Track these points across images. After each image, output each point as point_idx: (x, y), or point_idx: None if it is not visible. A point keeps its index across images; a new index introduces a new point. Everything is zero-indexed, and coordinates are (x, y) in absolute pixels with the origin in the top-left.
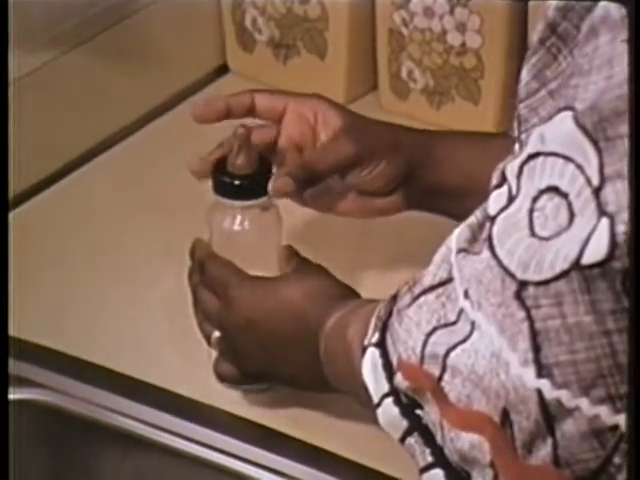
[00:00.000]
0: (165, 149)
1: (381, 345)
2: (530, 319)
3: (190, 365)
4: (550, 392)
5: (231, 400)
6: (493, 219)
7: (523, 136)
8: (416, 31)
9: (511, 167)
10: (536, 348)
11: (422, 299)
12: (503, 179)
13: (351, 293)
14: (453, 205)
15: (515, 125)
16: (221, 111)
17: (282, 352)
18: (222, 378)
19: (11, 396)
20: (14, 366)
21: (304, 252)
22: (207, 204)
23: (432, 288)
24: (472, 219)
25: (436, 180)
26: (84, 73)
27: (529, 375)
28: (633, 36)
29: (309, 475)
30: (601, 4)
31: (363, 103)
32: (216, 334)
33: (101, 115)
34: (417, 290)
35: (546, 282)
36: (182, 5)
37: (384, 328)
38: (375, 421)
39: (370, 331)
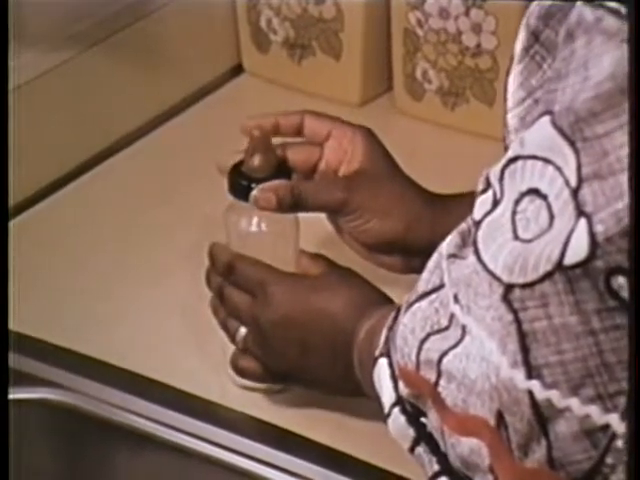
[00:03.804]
0: (180, 150)
1: (388, 355)
2: (518, 321)
3: (203, 365)
4: (540, 393)
5: (244, 400)
6: (478, 224)
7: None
8: (431, 32)
9: (494, 171)
10: (525, 349)
11: (416, 306)
12: (488, 184)
13: (386, 300)
14: None
15: (505, 134)
16: (270, 127)
17: (315, 352)
18: (243, 373)
19: (26, 395)
20: (30, 365)
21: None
22: (221, 205)
23: (425, 294)
24: (463, 225)
25: None
26: (99, 73)
27: (519, 376)
28: (633, 36)
29: (321, 475)
30: (576, 8)
31: (378, 104)
32: (242, 331)
33: (115, 116)
34: (412, 297)
35: (531, 284)
36: (197, 5)
37: (389, 338)
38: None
39: (381, 342)
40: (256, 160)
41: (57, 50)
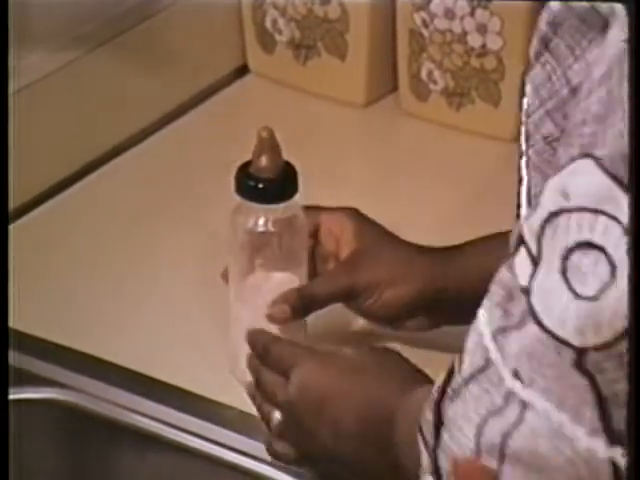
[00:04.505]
0: (186, 149)
1: (434, 450)
2: (595, 386)
3: (208, 365)
4: (625, 460)
5: (248, 400)
6: (527, 289)
7: (531, 151)
8: (436, 32)
9: (529, 228)
10: (605, 415)
11: (463, 392)
12: (520, 242)
13: (424, 378)
14: None
15: (523, 139)
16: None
17: (348, 436)
18: (277, 457)
19: (31, 395)
20: (35, 365)
21: None
22: (228, 205)
23: (471, 378)
24: (496, 297)
25: (467, 293)
26: (104, 74)
27: (600, 445)
28: (633, 36)
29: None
30: (609, 40)
31: (383, 104)
32: (277, 416)
33: (120, 116)
34: (456, 384)
35: (607, 344)
36: (203, 6)
37: (437, 432)
38: None
39: (424, 460)
40: (263, 160)
41: (62, 51)
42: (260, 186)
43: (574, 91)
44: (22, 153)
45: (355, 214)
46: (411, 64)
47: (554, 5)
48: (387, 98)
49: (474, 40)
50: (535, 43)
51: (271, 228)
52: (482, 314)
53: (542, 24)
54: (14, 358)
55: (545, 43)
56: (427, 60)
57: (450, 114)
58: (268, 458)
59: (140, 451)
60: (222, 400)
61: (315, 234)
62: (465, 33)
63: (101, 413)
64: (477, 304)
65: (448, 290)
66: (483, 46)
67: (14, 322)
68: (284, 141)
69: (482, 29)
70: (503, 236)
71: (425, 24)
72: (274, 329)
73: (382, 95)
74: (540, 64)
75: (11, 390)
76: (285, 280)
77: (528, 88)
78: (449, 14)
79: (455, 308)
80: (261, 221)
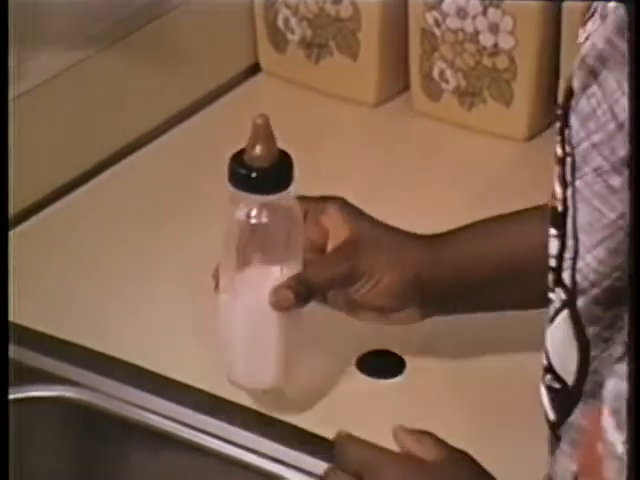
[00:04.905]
0: (197, 149)
1: None
2: None
3: (220, 364)
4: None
5: (261, 399)
6: None
7: (578, 183)
8: (448, 32)
9: None
10: None
11: None
12: None
13: None
14: (484, 299)
15: (568, 170)
16: None
17: None
18: None
19: (43, 393)
20: (46, 363)
21: None
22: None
23: None
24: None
25: (457, 282)
26: (115, 73)
27: None
28: (633, 36)
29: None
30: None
31: (395, 104)
32: None
33: (131, 115)
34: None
35: None
36: (214, 5)
37: None
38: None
39: None
40: (258, 149)
41: (72, 51)
42: (253, 175)
43: (621, 127)
44: (31, 153)
45: (344, 203)
46: (423, 63)
47: (598, 42)
48: (399, 97)
49: (486, 39)
50: (580, 76)
51: (265, 220)
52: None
53: (589, 59)
54: (23, 355)
55: (594, 75)
56: (439, 59)
57: (462, 113)
58: (283, 458)
59: (152, 449)
60: (234, 399)
61: None
62: (477, 32)
63: (113, 411)
64: (468, 292)
65: (442, 275)
66: (495, 45)
67: (20, 319)
68: (294, 140)
69: (494, 28)
70: (503, 219)
71: (437, 23)
72: (270, 325)
73: (394, 94)
74: (586, 96)
75: (20, 388)
76: (280, 274)
77: (573, 119)
78: (461, 13)
79: (448, 295)
80: (254, 212)
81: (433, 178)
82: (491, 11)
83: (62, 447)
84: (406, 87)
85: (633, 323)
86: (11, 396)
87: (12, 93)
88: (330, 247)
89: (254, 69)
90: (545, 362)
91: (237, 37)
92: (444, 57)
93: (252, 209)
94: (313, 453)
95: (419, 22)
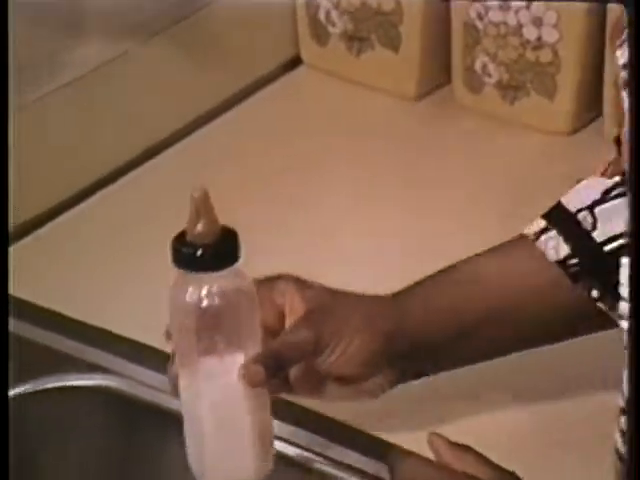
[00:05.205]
0: (238, 140)
1: None
2: None
3: None
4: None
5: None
6: None
7: None
8: (491, 25)
9: None
10: None
11: None
12: None
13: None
14: (463, 350)
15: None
16: None
17: None
18: None
19: (81, 382)
20: (84, 352)
21: None
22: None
23: None
24: None
25: (428, 338)
26: (157, 64)
27: None
28: (633, 36)
29: (370, 466)
30: None
31: (436, 97)
32: None
33: (172, 107)
34: None
35: None
36: None
37: None
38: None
39: None
40: (200, 225)
41: (115, 42)
42: (198, 253)
43: None
44: (77, 144)
45: (294, 279)
46: (465, 57)
47: None
48: (440, 91)
49: (529, 33)
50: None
51: (216, 301)
52: None
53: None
54: (59, 343)
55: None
56: (481, 53)
57: (504, 107)
58: (319, 449)
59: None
60: None
61: None
62: (520, 26)
63: (151, 401)
64: (444, 346)
65: (413, 330)
66: (539, 39)
67: (58, 307)
68: (335, 133)
69: (538, 22)
70: (475, 261)
71: (480, 16)
72: (242, 412)
73: (435, 87)
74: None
75: (56, 377)
76: (241, 360)
77: (626, 131)
78: (504, 6)
79: (423, 353)
80: (203, 293)
81: (475, 171)
82: (535, 5)
83: (99, 436)
84: (448, 80)
85: (633, 323)
86: (49, 385)
87: (50, 86)
88: (289, 323)
89: (295, 62)
90: (622, 404)
91: (279, 30)
92: (486, 50)
93: (202, 289)
94: (350, 445)
95: (462, 15)
